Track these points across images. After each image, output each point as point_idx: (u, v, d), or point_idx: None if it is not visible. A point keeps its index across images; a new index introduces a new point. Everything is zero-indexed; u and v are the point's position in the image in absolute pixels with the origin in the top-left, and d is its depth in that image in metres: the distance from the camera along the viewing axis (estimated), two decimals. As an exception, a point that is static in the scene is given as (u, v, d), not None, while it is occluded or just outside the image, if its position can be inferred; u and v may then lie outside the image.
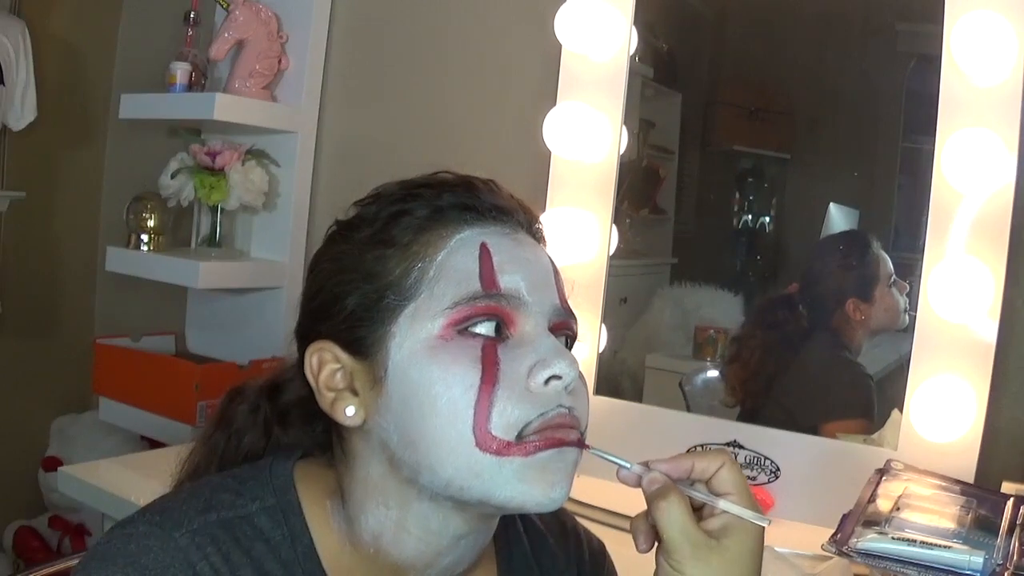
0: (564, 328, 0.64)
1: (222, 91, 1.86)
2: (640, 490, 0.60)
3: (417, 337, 0.59)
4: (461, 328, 0.59)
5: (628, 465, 0.61)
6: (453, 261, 0.61)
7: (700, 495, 0.59)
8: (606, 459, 0.60)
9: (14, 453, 2.25)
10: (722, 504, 0.58)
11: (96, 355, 1.98)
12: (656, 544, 0.59)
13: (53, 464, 2.05)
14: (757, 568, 0.58)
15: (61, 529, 2.20)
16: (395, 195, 0.65)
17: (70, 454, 2.13)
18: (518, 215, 0.66)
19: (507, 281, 0.60)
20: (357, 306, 0.62)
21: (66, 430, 2.23)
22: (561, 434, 0.58)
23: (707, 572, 0.56)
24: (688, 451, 1.31)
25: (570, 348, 0.65)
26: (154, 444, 1.94)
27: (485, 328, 0.59)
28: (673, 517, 0.57)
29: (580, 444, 0.59)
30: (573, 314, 0.65)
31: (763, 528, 0.59)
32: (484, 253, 0.61)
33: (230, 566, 0.57)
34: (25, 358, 2.29)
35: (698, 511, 0.60)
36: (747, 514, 0.58)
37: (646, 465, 0.60)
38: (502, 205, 0.65)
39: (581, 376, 0.62)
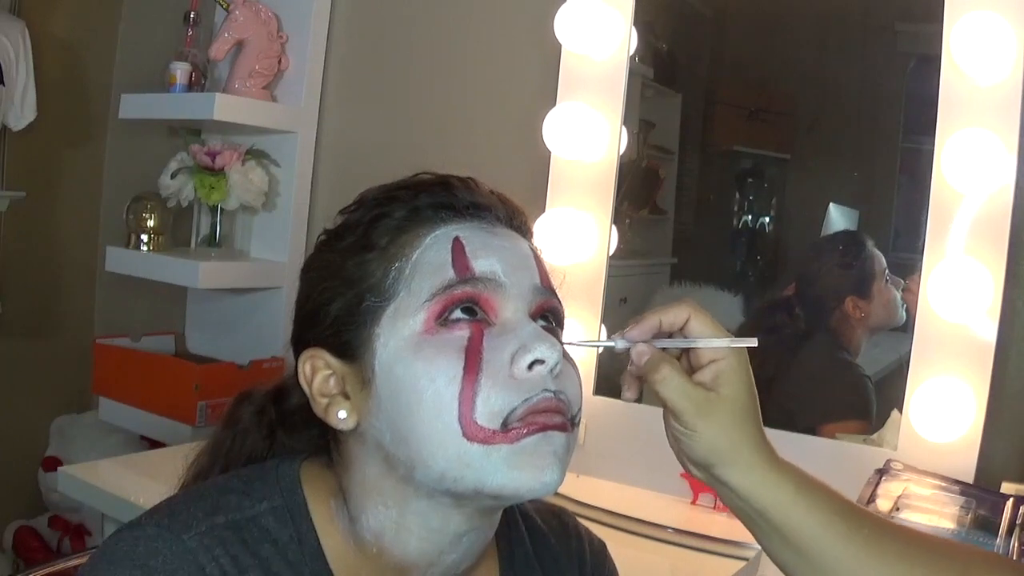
0: (547, 308, 0.64)
1: (222, 91, 1.86)
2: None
3: (401, 335, 0.60)
4: (442, 320, 0.59)
5: (612, 343, 0.63)
6: (428, 257, 0.61)
7: (679, 343, 0.62)
8: (586, 346, 0.64)
9: (14, 453, 2.25)
10: (702, 343, 0.61)
11: (96, 355, 1.98)
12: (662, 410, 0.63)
13: (53, 464, 2.05)
14: (754, 404, 0.62)
15: (61, 529, 2.20)
16: (375, 199, 0.66)
17: (70, 454, 2.13)
18: (497, 210, 0.66)
19: (481, 265, 0.61)
20: (340, 311, 0.62)
21: (66, 430, 2.23)
22: (545, 419, 0.58)
23: (715, 423, 0.60)
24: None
25: (560, 328, 0.65)
26: (154, 444, 1.94)
27: (465, 315, 0.60)
28: (672, 384, 0.60)
29: (565, 428, 0.59)
30: (556, 294, 0.65)
31: (750, 368, 0.62)
32: (456, 244, 0.61)
33: (238, 568, 0.58)
34: (25, 358, 2.29)
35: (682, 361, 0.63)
36: (730, 342, 0.61)
37: (622, 338, 0.63)
38: (479, 202, 0.65)
39: (569, 358, 0.62)
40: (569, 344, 0.63)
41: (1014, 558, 0.95)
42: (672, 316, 0.62)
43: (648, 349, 0.62)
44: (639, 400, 0.65)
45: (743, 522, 0.63)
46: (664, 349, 0.62)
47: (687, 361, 0.63)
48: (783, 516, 0.60)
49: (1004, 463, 1.27)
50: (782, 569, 0.62)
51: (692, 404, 0.60)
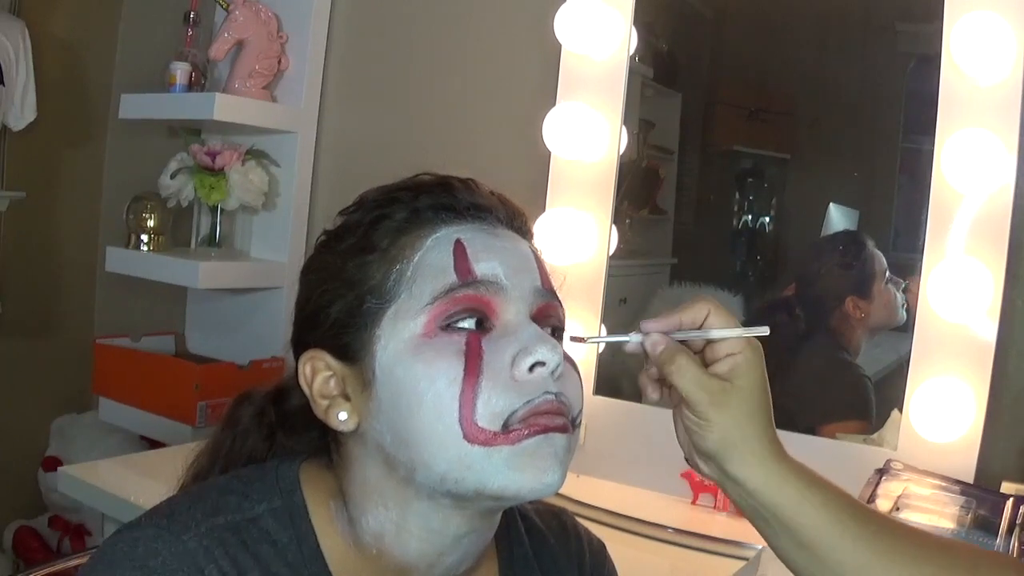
0: (549, 312, 0.64)
1: (222, 91, 1.86)
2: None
3: (401, 337, 0.60)
4: (444, 324, 0.59)
5: (627, 338, 0.64)
6: (429, 259, 0.61)
7: (695, 334, 0.63)
8: (606, 342, 0.65)
9: (14, 453, 2.25)
10: (715, 333, 0.62)
11: (96, 355, 1.98)
12: (674, 402, 0.64)
13: (53, 464, 2.05)
14: (767, 399, 0.62)
15: (61, 529, 2.20)
16: (375, 200, 0.65)
17: (70, 454, 2.13)
18: (498, 212, 0.66)
19: (483, 268, 0.61)
20: (341, 313, 0.62)
21: (66, 430, 2.23)
22: (546, 420, 0.58)
23: (728, 412, 0.60)
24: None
25: (560, 333, 0.65)
26: (154, 444, 1.94)
27: (468, 324, 0.60)
28: (686, 374, 0.61)
29: (566, 430, 0.60)
30: (557, 295, 0.65)
31: (764, 364, 0.62)
32: (458, 246, 0.61)
33: (238, 569, 0.58)
34: (25, 358, 2.29)
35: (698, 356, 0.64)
36: (744, 331, 0.62)
37: (639, 331, 0.64)
38: (480, 203, 0.65)
39: (570, 360, 0.62)
40: (583, 340, 0.63)
41: (1015, 557, 0.95)
42: (692, 314, 0.63)
43: (663, 340, 0.62)
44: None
45: (751, 520, 0.63)
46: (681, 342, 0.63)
47: (703, 356, 0.63)
48: (792, 511, 0.60)
49: (1004, 463, 1.27)
50: (791, 568, 0.62)
51: (707, 394, 0.60)
